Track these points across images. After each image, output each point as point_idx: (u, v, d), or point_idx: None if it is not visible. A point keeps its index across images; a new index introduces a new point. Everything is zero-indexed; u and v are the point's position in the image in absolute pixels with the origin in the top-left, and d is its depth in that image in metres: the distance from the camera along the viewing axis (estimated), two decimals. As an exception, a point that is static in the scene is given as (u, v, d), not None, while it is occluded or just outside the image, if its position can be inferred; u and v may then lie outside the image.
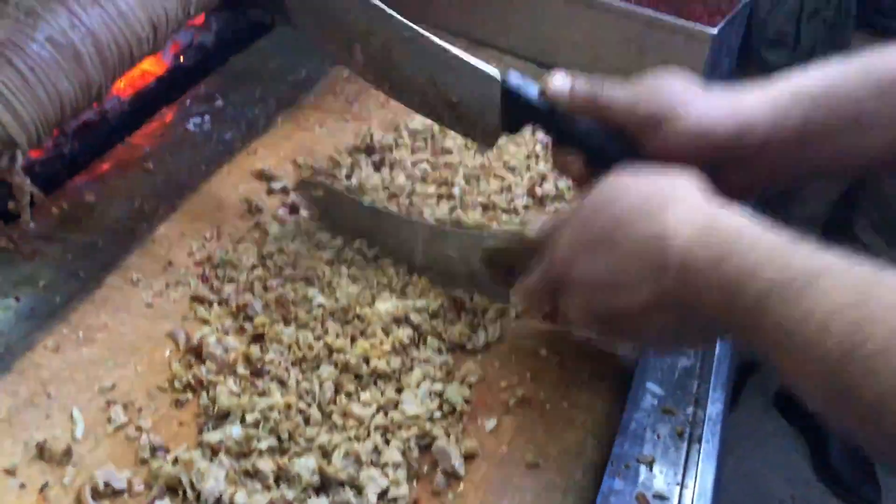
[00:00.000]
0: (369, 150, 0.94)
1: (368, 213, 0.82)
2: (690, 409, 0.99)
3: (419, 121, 0.97)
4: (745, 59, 1.86)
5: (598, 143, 0.69)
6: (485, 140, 0.75)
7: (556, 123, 0.70)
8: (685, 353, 0.78)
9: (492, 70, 0.72)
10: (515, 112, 0.72)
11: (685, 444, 0.74)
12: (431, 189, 0.89)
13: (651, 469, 0.69)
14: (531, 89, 0.71)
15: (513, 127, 0.74)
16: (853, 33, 1.62)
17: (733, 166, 0.65)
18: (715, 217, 0.56)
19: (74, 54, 0.78)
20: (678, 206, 0.57)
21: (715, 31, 1.00)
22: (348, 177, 0.91)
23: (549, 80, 0.70)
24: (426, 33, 0.75)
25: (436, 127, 0.98)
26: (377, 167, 0.92)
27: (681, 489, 0.69)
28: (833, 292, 0.48)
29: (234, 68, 1.13)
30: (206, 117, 1.02)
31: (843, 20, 1.59)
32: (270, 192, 0.88)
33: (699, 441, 0.74)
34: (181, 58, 1.15)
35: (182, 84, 1.11)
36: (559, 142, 0.72)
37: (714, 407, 0.98)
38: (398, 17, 0.75)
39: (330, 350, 0.69)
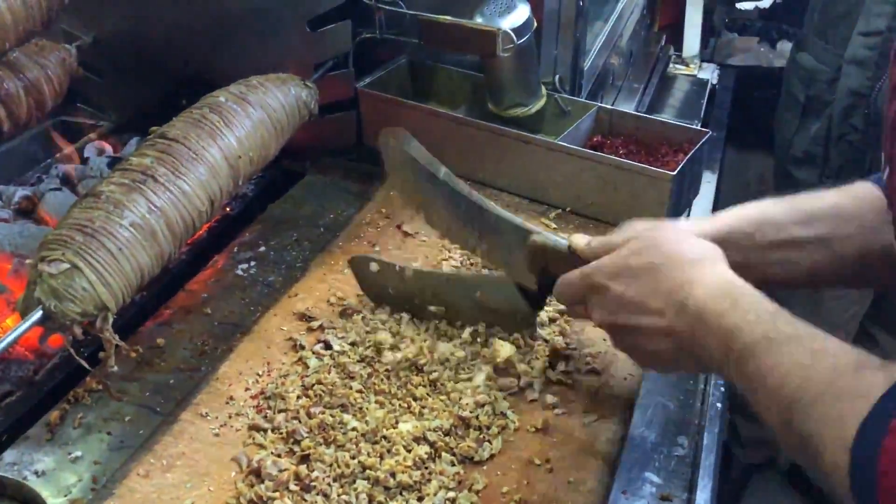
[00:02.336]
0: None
1: (444, 190, 1.04)
2: (686, 495, 1.14)
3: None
4: (773, 173, 2.00)
5: None
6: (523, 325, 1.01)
7: None
8: (680, 374, 0.99)
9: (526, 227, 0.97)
10: (534, 299, 0.96)
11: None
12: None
13: None
14: (562, 243, 0.91)
15: (540, 304, 0.98)
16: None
17: None
18: (730, 282, 0.75)
19: (152, 233, 0.98)
20: (708, 265, 0.77)
21: (673, 173, 1.18)
22: (373, 311, 1.09)
23: (574, 239, 0.90)
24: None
25: (444, 264, 1.16)
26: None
27: None
28: (796, 353, 0.66)
29: (273, 215, 1.33)
30: (252, 262, 1.22)
31: (871, 144, 1.69)
32: (310, 330, 1.06)
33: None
34: (228, 208, 1.35)
35: (229, 231, 1.31)
36: None
37: (703, 494, 1.12)
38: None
39: (363, 467, 0.86)
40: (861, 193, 0.87)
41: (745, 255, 0.85)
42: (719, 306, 0.72)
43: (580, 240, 0.88)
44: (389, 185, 1.21)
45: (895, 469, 0.56)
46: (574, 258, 0.87)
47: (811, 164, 1.81)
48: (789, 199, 0.90)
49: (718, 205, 1.90)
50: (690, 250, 0.79)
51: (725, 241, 0.83)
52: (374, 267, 1.07)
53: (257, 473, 0.86)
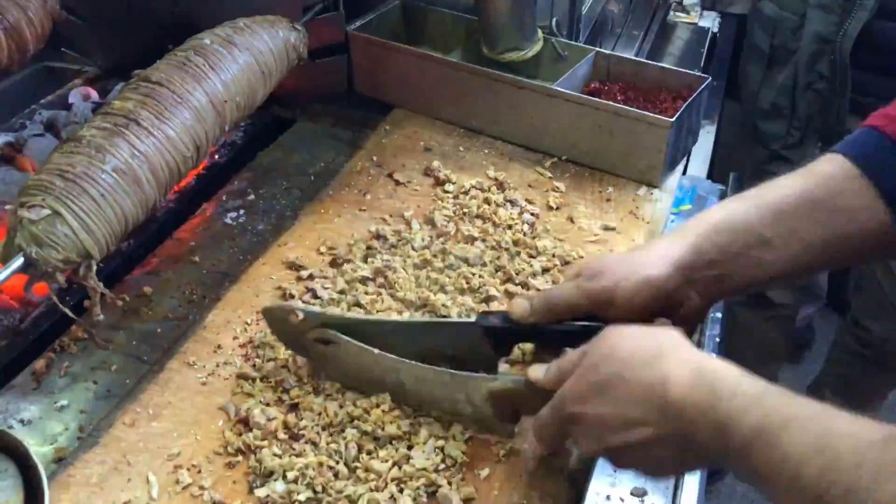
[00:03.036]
0: (381, 237, 1.10)
1: (360, 355, 0.86)
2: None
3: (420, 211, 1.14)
4: (740, 128, 1.97)
5: (575, 334, 0.80)
6: (485, 369, 0.86)
7: (533, 336, 0.85)
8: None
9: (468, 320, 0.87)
10: (498, 342, 0.85)
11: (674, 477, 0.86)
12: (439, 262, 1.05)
13: (643, 501, 0.81)
14: (501, 321, 0.84)
15: (502, 352, 0.87)
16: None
17: (678, 301, 0.80)
18: (701, 367, 0.66)
19: (135, 179, 0.95)
20: (672, 355, 0.68)
21: (672, 119, 1.15)
22: (365, 260, 1.07)
23: (512, 308, 0.83)
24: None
25: (436, 213, 1.14)
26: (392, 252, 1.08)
27: None
28: (802, 438, 0.57)
29: (262, 163, 1.31)
30: (241, 211, 1.20)
31: (838, 92, 1.65)
32: (299, 279, 1.04)
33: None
34: (216, 156, 1.32)
35: (218, 179, 1.28)
36: (543, 346, 0.87)
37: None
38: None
39: (352, 417, 0.85)
40: (831, 173, 0.79)
41: (718, 268, 0.80)
42: (700, 400, 0.64)
43: (538, 372, 0.78)
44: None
45: None
46: (539, 393, 0.77)
47: (778, 116, 1.78)
48: (754, 195, 0.82)
49: (717, 155, 1.88)
50: (645, 347, 0.70)
51: (700, 260, 0.79)
52: (294, 318, 0.88)
53: (245, 422, 0.86)
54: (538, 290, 1.02)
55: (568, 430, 0.74)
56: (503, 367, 0.91)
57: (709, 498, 2.15)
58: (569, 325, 0.82)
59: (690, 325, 0.82)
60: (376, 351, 0.85)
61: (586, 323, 0.81)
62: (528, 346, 0.91)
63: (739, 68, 1.93)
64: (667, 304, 0.79)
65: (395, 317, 0.97)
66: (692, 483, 0.86)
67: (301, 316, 0.88)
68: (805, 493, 0.57)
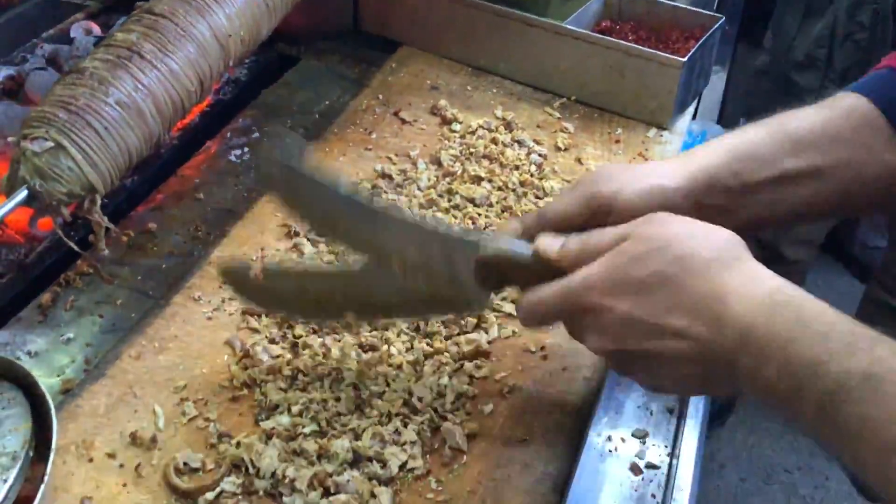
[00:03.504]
0: (387, 177, 1.09)
1: (345, 203, 0.76)
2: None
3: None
4: (772, 81, 1.92)
5: None
6: (476, 300, 0.75)
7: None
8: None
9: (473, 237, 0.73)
10: (488, 279, 0.72)
11: (675, 419, 0.87)
12: (444, 203, 1.05)
13: (644, 442, 0.82)
14: (522, 249, 0.70)
15: (494, 290, 0.75)
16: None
17: None
18: (781, 289, 0.57)
19: (138, 112, 0.94)
20: (737, 267, 0.59)
21: (685, 59, 1.13)
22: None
23: (501, 229, 0.72)
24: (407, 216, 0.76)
25: (443, 153, 1.13)
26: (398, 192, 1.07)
27: (671, 459, 0.82)
28: None
29: (267, 101, 1.29)
30: (246, 149, 1.19)
31: (879, 43, 1.61)
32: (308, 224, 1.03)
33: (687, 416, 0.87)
34: (220, 93, 1.31)
35: (222, 117, 1.27)
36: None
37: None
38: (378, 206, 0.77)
39: (359, 352, 0.85)
40: (851, 107, 0.74)
41: (734, 197, 0.72)
42: (778, 327, 0.55)
43: (550, 244, 0.66)
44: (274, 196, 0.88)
45: None
46: (542, 268, 0.65)
47: (813, 69, 1.74)
48: (774, 125, 0.75)
49: (728, 101, 1.85)
50: (707, 248, 0.59)
51: (709, 184, 0.72)
52: (252, 274, 0.81)
53: (251, 357, 0.86)
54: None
55: (575, 318, 0.65)
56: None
57: (708, 443, 2.18)
58: None
59: None
60: (342, 189, 0.74)
61: None
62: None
63: (773, 17, 1.88)
64: None
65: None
66: (692, 426, 0.87)
67: (258, 269, 0.79)
68: None
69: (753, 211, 0.74)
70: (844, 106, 0.75)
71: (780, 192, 0.73)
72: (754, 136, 0.75)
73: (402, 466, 0.76)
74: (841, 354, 0.52)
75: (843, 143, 0.73)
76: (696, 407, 0.88)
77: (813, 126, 0.74)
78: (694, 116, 1.31)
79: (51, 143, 0.87)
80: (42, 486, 0.65)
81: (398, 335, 0.88)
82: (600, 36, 1.21)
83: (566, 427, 0.82)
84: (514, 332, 0.90)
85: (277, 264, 0.85)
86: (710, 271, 0.58)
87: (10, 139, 1.04)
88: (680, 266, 0.59)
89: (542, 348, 0.88)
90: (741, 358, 0.56)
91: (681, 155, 0.76)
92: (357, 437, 0.78)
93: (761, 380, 0.56)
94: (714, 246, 0.60)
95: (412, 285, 0.74)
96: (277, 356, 0.85)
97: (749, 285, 0.57)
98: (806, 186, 0.73)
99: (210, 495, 0.73)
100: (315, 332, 0.88)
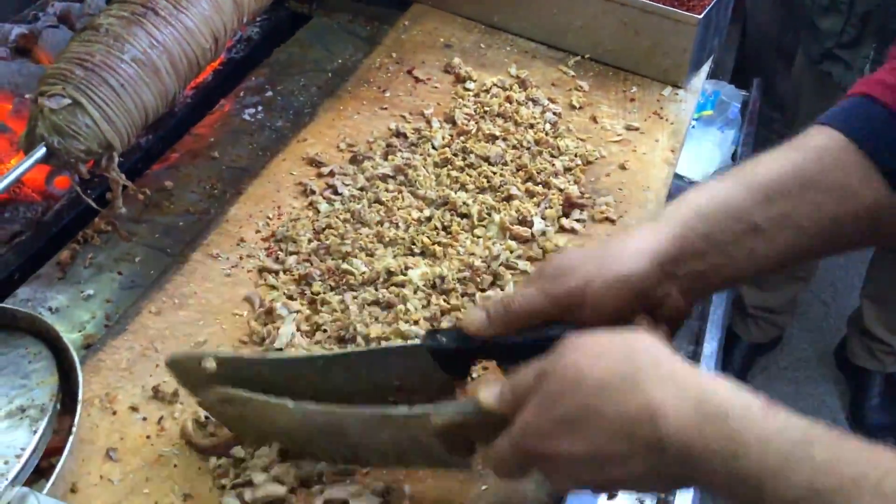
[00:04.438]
0: (401, 135, 1.09)
1: (273, 410, 0.70)
2: (692, 347, 1.15)
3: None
4: (796, 25, 1.90)
5: (539, 340, 0.68)
6: (445, 394, 0.73)
7: (493, 351, 0.71)
8: None
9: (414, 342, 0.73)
10: (452, 364, 0.71)
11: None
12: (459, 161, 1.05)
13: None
14: (451, 338, 0.70)
15: (460, 373, 0.73)
16: None
17: (658, 300, 0.69)
18: (703, 396, 0.55)
19: (154, 69, 0.94)
20: (658, 380, 0.56)
21: (700, 16, 1.12)
22: (385, 157, 1.06)
23: (465, 321, 0.70)
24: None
25: (457, 111, 1.13)
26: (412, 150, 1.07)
27: None
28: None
29: (280, 59, 1.28)
30: (259, 107, 1.18)
31: None
32: (319, 175, 1.04)
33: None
34: (233, 51, 1.30)
35: (235, 75, 1.27)
36: (503, 361, 0.73)
37: (710, 345, 1.13)
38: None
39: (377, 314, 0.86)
40: (823, 147, 0.70)
41: (708, 260, 0.69)
42: (716, 447, 0.53)
43: (489, 395, 0.64)
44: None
45: None
46: (494, 418, 0.63)
47: (836, 12, 1.72)
48: (740, 175, 0.71)
49: (743, 55, 1.82)
50: (619, 367, 0.57)
51: (683, 253, 0.69)
52: (209, 364, 0.72)
53: (270, 312, 0.87)
54: (560, 189, 1.02)
55: (532, 466, 0.63)
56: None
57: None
58: (533, 334, 0.69)
59: (671, 327, 0.70)
60: (290, 404, 0.69)
61: (553, 331, 0.67)
62: (490, 364, 0.81)
63: None
64: (645, 303, 0.69)
65: (322, 352, 0.82)
66: None
67: (212, 365, 0.71)
68: None
69: (732, 266, 0.70)
70: (816, 146, 0.71)
71: (755, 246, 0.70)
72: (720, 192, 0.71)
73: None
74: (781, 471, 0.51)
75: (814, 188, 0.69)
76: (709, 365, 0.89)
77: (780, 174, 0.70)
78: (709, 75, 1.30)
79: (68, 100, 0.87)
80: (70, 438, 0.67)
81: (415, 292, 0.88)
82: (616, -8, 1.20)
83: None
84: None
85: (234, 359, 0.74)
86: (631, 390, 0.57)
87: (27, 96, 1.04)
88: (599, 395, 0.57)
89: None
90: (691, 476, 0.56)
91: (647, 225, 0.72)
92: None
93: (719, 488, 0.55)
94: (625, 361, 0.58)
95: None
96: (296, 311, 0.86)
97: (674, 400, 0.55)
98: (780, 236, 0.70)
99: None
100: (332, 288, 0.89)
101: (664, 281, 0.69)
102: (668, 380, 0.56)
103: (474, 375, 0.81)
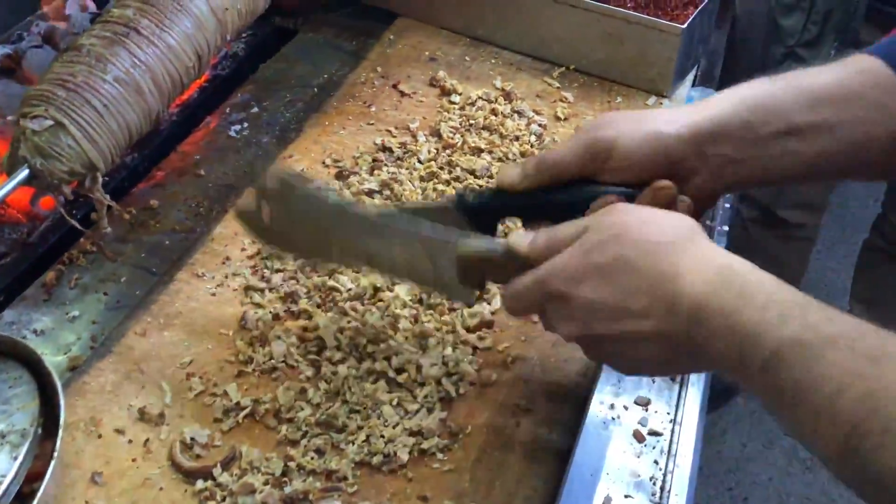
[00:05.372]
0: (387, 150, 1.09)
1: (332, 209, 0.80)
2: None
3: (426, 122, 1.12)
4: (765, 27, 1.92)
5: (571, 199, 0.72)
6: (463, 298, 0.78)
7: (522, 211, 0.75)
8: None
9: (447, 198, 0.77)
10: (481, 223, 0.75)
11: (678, 387, 0.88)
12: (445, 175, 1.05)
13: (647, 409, 0.83)
14: (486, 195, 0.75)
15: (490, 230, 0.76)
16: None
17: (685, 172, 0.71)
18: (728, 266, 0.59)
19: (137, 89, 0.94)
20: (690, 249, 0.61)
21: (683, 26, 1.13)
22: (371, 173, 1.06)
23: (502, 176, 0.74)
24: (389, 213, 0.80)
25: (443, 125, 1.13)
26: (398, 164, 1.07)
27: (673, 426, 0.83)
28: (845, 361, 0.51)
29: (265, 75, 1.28)
30: (245, 124, 1.18)
31: None
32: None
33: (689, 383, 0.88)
34: (218, 67, 1.30)
35: (221, 92, 1.27)
36: (531, 221, 0.76)
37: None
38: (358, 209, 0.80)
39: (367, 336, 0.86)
40: (865, 68, 0.73)
41: (742, 148, 0.72)
42: (723, 301, 0.57)
43: (521, 240, 0.68)
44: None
45: None
46: (517, 262, 0.68)
47: (797, 10, 1.74)
48: (789, 79, 0.74)
49: (732, 62, 1.83)
50: (661, 232, 0.62)
51: (721, 133, 0.71)
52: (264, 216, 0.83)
53: (262, 339, 0.86)
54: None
55: (546, 307, 0.67)
56: None
57: (712, 409, 2.21)
58: (565, 194, 0.72)
59: (696, 209, 0.73)
60: (331, 198, 0.78)
61: (586, 192, 0.71)
62: (517, 223, 0.83)
63: None
64: (672, 171, 0.71)
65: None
66: (694, 393, 0.87)
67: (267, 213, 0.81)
68: (838, 419, 0.51)
69: (759, 164, 0.73)
70: (858, 66, 0.74)
71: (789, 146, 0.72)
72: (767, 89, 0.74)
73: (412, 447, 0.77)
74: (775, 324, 0.55)
75: (856, 101, 0.72)
76: (699, 374, 0.88)
77: (826, 83, 0.73)
78: (694, 83, 1.30)
79: (50, 122, 0.87)
80: (52, 462, 0.66)
81: (403, 307, 0.88)
82: (598, 3, 1.20)
83: (569, 395, 0.83)
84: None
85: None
86: (664, 254, 0.61)
87: (9, 118, 1.03)
88: (636, 250, 0.61)
89: (545, 318, 0.89)
90: (694, 333, 0.59)
91: (693, 103, 0.76)
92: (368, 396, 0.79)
93: (713, 352, 0.59)
94: (668, 230, 0.63)
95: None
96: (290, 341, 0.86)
97: (699, 265, 0.60)
98: (816, 142, 0.72)
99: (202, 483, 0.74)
100: (318, 306, 0.89)
101: (694, 156, 0.71)
102: (700, 252, 0.61)
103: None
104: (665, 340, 0.61)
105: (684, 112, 0.74)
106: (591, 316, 0.64)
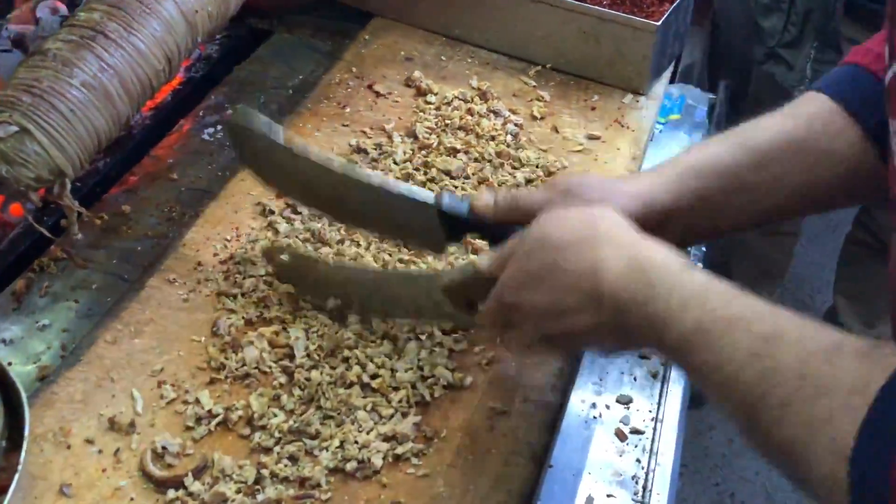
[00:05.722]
0: (362, 151, 1.08)
1: (335, 270, 0.91)
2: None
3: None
4: (745, 28, 1.92)
5: None
6: (434, 250, 0.88)
7: (489, 231, 0.81)
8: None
9: (427, 195, 0.83)
10: (453, 227, 0.82)
11: (659, 384, 0.88)
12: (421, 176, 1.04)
13: (628, 408, 0.83)
14: (463, 207, 0.81)
15: (454, 238, 0.84)
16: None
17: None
18: (637, 254, 0.64)
19: (105, 93, 0.92)
20: (606, 241, 0.65)
21: (658, 23, 1.12)
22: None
23: (476, 199, 0.80)
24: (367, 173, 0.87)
25: (418, 125, 1.12)
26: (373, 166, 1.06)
27: (655, 423, 0.83)
28: (742, 342, 0.55)
29: (240, 77, 1.27)
30: (219, 127, 1.17)
31: None
32: (279, 195, 1.03)
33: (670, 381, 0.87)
34: (192, 70, 1.29)
35: (194, 94, 1.25)
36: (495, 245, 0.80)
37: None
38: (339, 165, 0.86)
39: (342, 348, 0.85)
40: (813, 113, 0.76)
41: (696, 214, 0.76)
42: (635, 293, 0.62)
43: (482, 260, 0.76)
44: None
45: None
46: (485, 281, 0.75)
47: (777, 11, 1.75)
48: (735, 137, 0.78)
49: (709, 64, 1.84)
50: (579, 231, 0.67)
51: (674, 205, 0.76)
52: (285, 257, 0.91)
53: (234, 345, 0.85)
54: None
55: (509, 317, 0.73)
56: (451, 248, 0.92)
57: (698, 405, 2.21)
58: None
59: None
60: (331, 260, 0.88)
61: None
62: (481, 243, 0.92)
63: None
64: None
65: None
66: (675, 390, 0.87)
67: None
68: (740, 397, 0.55)
69: (723, 220, 0.78)
70: (808, 111, 0.77)
71: (742, 203, 0.76)
72: (717, 151, 0.78)
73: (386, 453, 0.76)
74: (679, 311, 0.59)
75: (806, 152, 0.75)
76: (680, 370, 0.88)
77: (775, 136, 0.76)
78: (672, 80, 1.30)
79: (15, 128, 0.85)
80: (16, 475, 0.65)
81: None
82: (574, 2, 1.20)
83: (545, 396, 0.82)
84: (492, 304, 0.90)
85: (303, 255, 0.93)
86: (582, 251, 0.66)
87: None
88: (557, 253, 0.67)
89: (521, 320, 0.88)
90: (621, 321, 0.64)
91: (649, 172, 0.81)
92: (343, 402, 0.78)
93: (642, 340, 0.64)
94: (581, 228, 0.67)
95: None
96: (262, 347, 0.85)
97: (613, 257, 0.64)
98: (769, 195, 0.76)
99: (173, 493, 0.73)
100: (290, 313, 0.88)
101: (653, 227, 0.73)
102: (615, 242, 0.65)
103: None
104: (604, 329, 0.66)
105: (642, 184, 0.78)
106: (539, 318, 0.69)
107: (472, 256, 0.93)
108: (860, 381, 0.49)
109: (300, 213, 0.99)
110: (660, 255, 0.64)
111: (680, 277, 0.62)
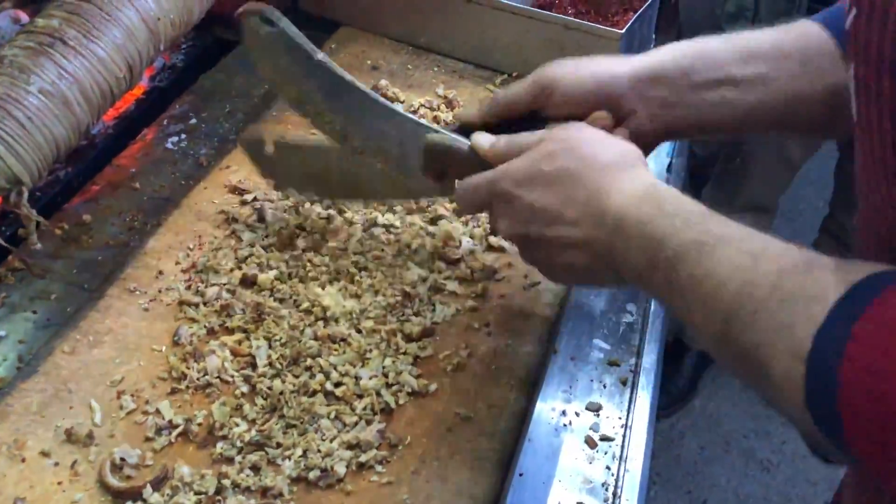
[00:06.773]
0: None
1: (319, 70, 0.89)
2: (633, 360, 1.14)
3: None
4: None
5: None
6: (418, 185, 0.86)
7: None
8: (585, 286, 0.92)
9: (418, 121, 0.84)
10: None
11: (629, 391, 0.87)
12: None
13: (598, 415, 0.82)
14: (462, 144, 0.80)
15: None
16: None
17: (625, 115, 0.78)
18: (653, 186, 0.67)
19: (64, 101, 0.91)
20: (628, 172, 0.68)
21: (622, 31, 1.13)
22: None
23: (461, 111, 0.84)
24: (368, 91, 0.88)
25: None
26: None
27: (625, 430, 0.82)
28: (731, 257, 0.58)
29: (205, 86, 1.26)
30: (183, 135, 1.16)
31: None
32: (243, 203, 1.02)
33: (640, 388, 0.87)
34: (156, 79, 1.28)
35: (159, 104, 1.24)
36: None
37: (649, 358, 1.12)
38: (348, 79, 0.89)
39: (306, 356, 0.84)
40: (805, 32, 0.78)
41: (678, 92, 0.77)
42: (642, 213, 0.64)
43: (483, 140, 0.77)
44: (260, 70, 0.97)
45: (859, 379, 0.48)
46: (477, 161, 0.75)
47: (742, 19, 1.77)
48: (728, 36, 0.80)
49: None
50: (607, 153, 0.69)
51: (658, 76, 0.77)
52: (269, 150, 0.94)
53: (195, 355, 0.84)
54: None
55: (493, 205, 0.73)
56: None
57: (669, 414, 2.22)
58: (519, 128, 0.78)
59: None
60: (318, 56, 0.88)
61: (539, 125, 0.77)
62: None
63: None
64: (610, 108, 0.78)
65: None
66: (644, 397, 0.87)
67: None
68: (718, 309, 0.57)
69: (695, 110, 0.78)
70: (797, 30, 0.79)
71: (726, 95, 0.77)
72: (706, 43, 0.79)
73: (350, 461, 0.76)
74: (680, 229, 0.62)
75: (791, 59, 0.77)
76: (649, 377, 0.88)
77: (763, 41, 0.78)
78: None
79: (-30, 136, 0.84)
80: (-33, 489, 0.63)
81: (336, 321, 0.86)
82: (538, 10, 1.21)
83: (511, 403, 0.82)
84: (457, 310, 0.89)
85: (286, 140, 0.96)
86: (604, 172, 0.68)
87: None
88: (581, 164, 0.68)
89: (487, 325, 0.88)
90: (615, 244, 0.66)
91: (641, 54, 0.82)
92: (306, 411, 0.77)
93: (630, 262, 0.65)
94: (614, 153, 0.70)
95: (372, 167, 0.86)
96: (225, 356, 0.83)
97: (630, 184, 0.67)
98: (751, 93, 0.77)
99: None
100: (254, 321, 0.87)
101: (632, 96, 0.78)
102: (636, 175, 0.68)
103: None
104: (589, 248, 0.68)
105: (626, 59, 0.80)
106: (529, 218, 0.70)
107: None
108: (823, 291, 0.52)
109: (264, 222, 0.98)
110: (675, 191, 0.66)
111: (687, 203, 0.64)
